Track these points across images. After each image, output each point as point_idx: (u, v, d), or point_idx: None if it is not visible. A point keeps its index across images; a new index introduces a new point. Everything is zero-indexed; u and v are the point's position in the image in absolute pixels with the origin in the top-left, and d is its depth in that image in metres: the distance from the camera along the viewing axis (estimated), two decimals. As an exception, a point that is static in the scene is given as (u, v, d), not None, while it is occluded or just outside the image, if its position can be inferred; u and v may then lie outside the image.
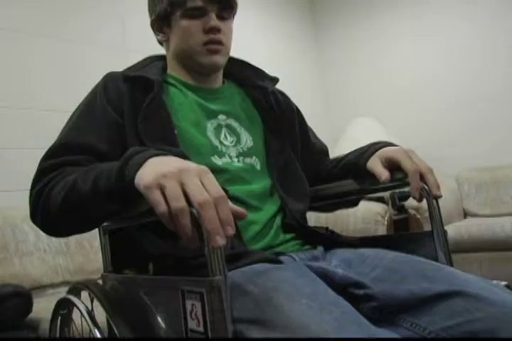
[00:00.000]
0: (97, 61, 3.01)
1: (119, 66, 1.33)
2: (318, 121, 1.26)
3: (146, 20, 1.33)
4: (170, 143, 1.11)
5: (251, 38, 3.82)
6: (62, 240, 2.40)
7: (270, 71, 1.42)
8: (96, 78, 1.25)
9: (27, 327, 1.84)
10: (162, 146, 1.07)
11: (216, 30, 1.22)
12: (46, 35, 2.88)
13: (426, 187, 1.14)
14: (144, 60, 1.33)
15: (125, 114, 1.14)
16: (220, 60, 1.26)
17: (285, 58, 4.33)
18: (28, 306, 1.81)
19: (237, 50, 1.30)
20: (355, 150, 1.33)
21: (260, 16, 4.22)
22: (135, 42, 3.19)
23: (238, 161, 1.22)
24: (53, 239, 2.32)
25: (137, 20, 3.07)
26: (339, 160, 1.38)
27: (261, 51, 3.92)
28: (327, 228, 1.28)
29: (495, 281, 0.97)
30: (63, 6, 2.98)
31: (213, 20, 1.21)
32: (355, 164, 1.25)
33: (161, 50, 1.35)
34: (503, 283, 0.98)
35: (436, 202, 1.16)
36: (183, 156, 1.01)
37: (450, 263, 1.13)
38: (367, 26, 4.52)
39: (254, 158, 1.25)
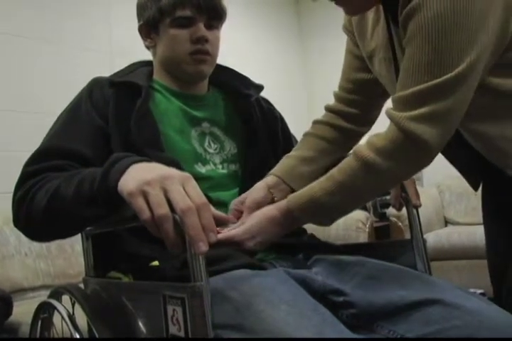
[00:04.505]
0: (84, 65, 3.00)
1: (106, 70, 1.33)
2: (302, 128, 1.27)
3: (132, 25, 1.33)
4: (158, 149, 1.12)
5: (232, 37, 3.82)
6: (43, 244, 2.38)
7: (254, 74, 1.44)
8: (82, 82, 1.26)
9: (6, 331, 1.83)
10: (156, 153, 1.09)
11: (204, 40, 1.23)
12: (33, 38, 2.87)
13: (406, 196, 1.16)
14: (130, 65, 1.34)
15: (110, 120, 1.14)
16: (206, 69, 1.27)
17: (266, 59, 4.34)
18: (8, 309, 1.80)
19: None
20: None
21: (244, 14, 4.23)
22: (121, 46, 3.19)
23: (222, 168, 1.23)
24: (34, 242, 2.31)
25: (124, 25, 3.08)
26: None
27: (241, 52, 3.92)
28: (308, 233, 1.29)
29: (471, 289, 0.99)
30: (51, 10, 2.97)
31: (201, 31, 1.22)
32: None
33: (147, 55, 1.36)
34: (480, 291, 1.00)
35: (416, 211, 1.18)
36: (176, 164, 1.03)
37: (428, 271, 1.15)
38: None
39: (238, 164, 1.26)
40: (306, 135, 1.31)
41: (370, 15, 1.18)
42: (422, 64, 0.95)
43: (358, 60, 1.28)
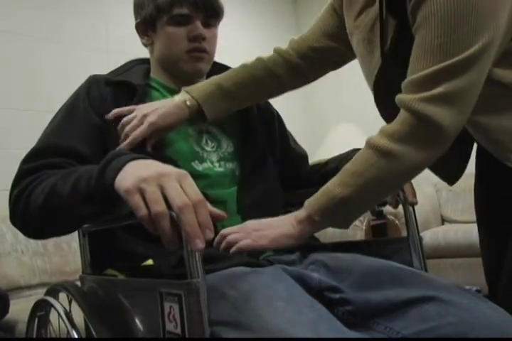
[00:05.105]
0: (82, 63, 3.00)
1: (102, 67, 1.33)
2: (299, 127, 1.27)
3: (130, 24, 1.33)
4: (153, 147, 1.13)
5: (230, 36, 3.81)
6: (40, 241, 2.38)
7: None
8: (78, 79, 1.26)
9: (3, 329, 1.83)
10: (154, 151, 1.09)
11: (201, 38, 1.23)
12: (33, 37, 2.87)
13: (402, 194, 1.17)
14: (127, 63, 1.33)
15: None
16: (204, 67, 1.28)
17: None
18: (5, 307, 1.80)
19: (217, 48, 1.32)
20: (335, 157, 1.36)
21: (242, 14, 4.23)
22: (118, 44, 3.18)
23: (219, 166, 1.23)
24: (31, 240, 2.30)
25: (121, 23, 3.08)
26: (320, 166, 1.40)
27: (239, 51, 3.91)
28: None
29: (467, 286, 0.99)
30: (51, 9, 2.97)
31: (198, 29, 1.23)
32: (336, 170, 1.26)
33: (143, 53, 1.35)
34: (475, 288, 1.01)
35: (413, 208, 1.19)
36: (174, 161, 1.03)
37: (424, 268, 1.16)
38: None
39: (235, 163, 1.26)
40: (242, 66, 1.31)
41: None
42: (434, 46, 0.95)
43: (332, 27, 1.29)
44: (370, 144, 0.99)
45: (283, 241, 1.02)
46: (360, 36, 1.17)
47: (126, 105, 1.16)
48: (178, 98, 1.19)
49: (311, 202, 1.02)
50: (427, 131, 0.96)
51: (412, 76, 0.98)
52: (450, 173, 1.27)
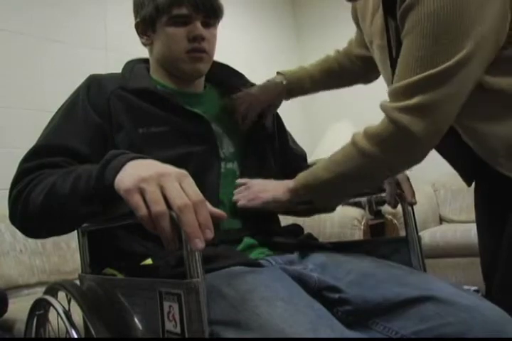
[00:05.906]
0: (79, 61, 2.99)
1: (101, 66, 1.33)
2: (297, 126, 1.28)
3: (127, 21, 1.33)
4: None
5: (230, 37, 3.82)
6: (38, 240, 2.37)
7: (248, 72, 1.45)
8: (77, 77, 1.26)
9: (1, 328, 1.83)
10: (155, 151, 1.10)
11: (200, 38, 1.23)
12: (32, 35, 2.86)
13: (401, 194, 1.17)
14: (126, 65, 1.32)
15: (120, 118, 1.15)
16: (203, 67, 1.27)
17: (263, 60, 4.33)
18: (3, 306, 1.80)
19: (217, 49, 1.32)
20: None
21: (241, 15, 4.23)
22: (116, 42, 3.18)
23: (219, 166, 1.23)
24: (29, 239, 2.30)
25: (119, 21, 3.08)
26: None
27: (239, 52, 3.92)
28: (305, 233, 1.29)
29: (466, 286, 1.00)
30: (49, 8, 2.96)
31: (198, 29, 1.22)
32: None
33: (141, 51, 1.35)
34: (474, 288, 1.01)
35: (411, 208, 1.19)
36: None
37: (423, 268, 1.16)
38: (346, 30, 4.50)
39: (235, 163, 1.26)
40: (328, 57, 1.52)
41: (372, 1, 1.20)
42: (414, 58, 1.00)
43: (362, 38, 1.38)
44: (353, 140, 1.09)
45: (271, 205, 1.19)
46: (376, 42, 1.21)
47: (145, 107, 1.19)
48: (274, 79, 1.43)
49: (301, 178, 1.17)
50: (403, 139, 1.03)
51: (394, 84, 1.04)
52: (463, 177, 1.32)
